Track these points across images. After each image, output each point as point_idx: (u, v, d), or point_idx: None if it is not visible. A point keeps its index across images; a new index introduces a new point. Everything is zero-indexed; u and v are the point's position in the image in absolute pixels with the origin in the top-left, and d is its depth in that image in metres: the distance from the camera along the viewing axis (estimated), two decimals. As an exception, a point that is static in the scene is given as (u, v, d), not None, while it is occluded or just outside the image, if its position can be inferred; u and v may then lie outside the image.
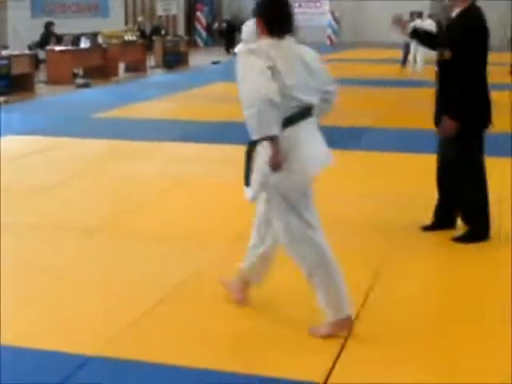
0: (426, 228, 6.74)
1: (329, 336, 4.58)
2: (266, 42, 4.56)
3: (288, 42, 4.63)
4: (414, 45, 21.85)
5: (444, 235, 6.52)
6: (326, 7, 35.70)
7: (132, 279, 5.59)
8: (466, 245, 6.29)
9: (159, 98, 16.17)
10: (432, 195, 6.92)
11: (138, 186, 8.37)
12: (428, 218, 6.77)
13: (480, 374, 4.16)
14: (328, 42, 35.15)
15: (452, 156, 6.36)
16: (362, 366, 4.27)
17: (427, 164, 8.93)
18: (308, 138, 4.61)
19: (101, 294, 5.37)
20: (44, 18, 22.06)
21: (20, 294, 5.34)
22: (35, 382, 4.04)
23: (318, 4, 35.53)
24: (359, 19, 37.29)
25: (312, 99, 4.67)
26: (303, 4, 35.49)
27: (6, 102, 15.84)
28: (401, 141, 10.94)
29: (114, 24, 26.26)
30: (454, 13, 6.43)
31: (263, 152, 4.44)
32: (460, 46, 6.18)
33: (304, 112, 4.61)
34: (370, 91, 17.34)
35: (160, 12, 30.82)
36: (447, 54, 6.32)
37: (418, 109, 13.83)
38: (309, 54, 4.78)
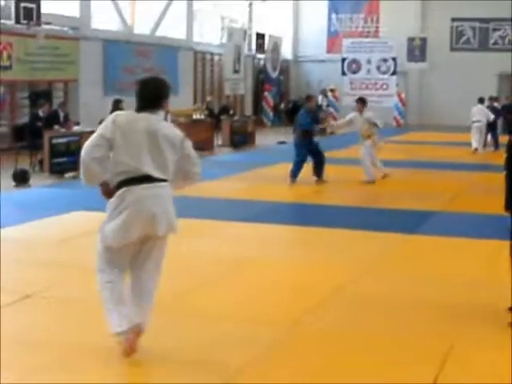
0: None
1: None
2: (123, 114, 5.81)
3: (142, 117, 5.61)
4: (475, 127, 22.26)
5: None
6: (393, 90, 35.84)
7: (194, 358, 5.59)
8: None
9: (226, 177, 16.29)
10: (500, 280, 6.84)
11: (204, 265, 8.41)
12: (495, 303, 6.70)
13: None
14: (394, 124, 35.20)
15: None
16: None
17: (495, 249, 8.88)
18: (132, 204, 5.46)
19: (165, 368, 5.41)
20: (115, 95, 22.52)
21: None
22: None
23: (385, 86, 35.71)
24: (425, 102, 37.37)
25: (150, 171, 5.49)
26: (370, 86, 35.77)
27: (74, 177, 16.12)
28: (468, 226, 10.83)
29: (183, 102, 26.75)
30: None
31: None
32: None
33: (141, 178, 5.46)
34: (436, 174, 17.23)
35: (228, 91, 31.27)
36: None
37: (486, 193, 13.71)
38: (167, 134, 5.62)
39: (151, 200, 5.52)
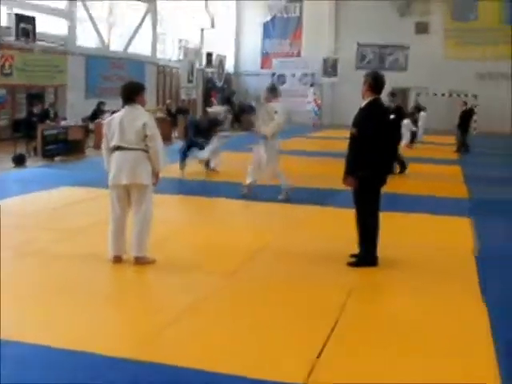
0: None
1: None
2: (114, 115, 6.74)
3: (125, 110, 6.59)
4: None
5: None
6: (312, 97, 36.19)
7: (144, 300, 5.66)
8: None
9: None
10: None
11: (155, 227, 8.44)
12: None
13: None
14: (312, 124, 35.49)
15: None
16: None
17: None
18: (115, 162, 6.53)
19: (124, 308, 5.49)
20: (95, 98, 22.36)
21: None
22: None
23: (305, 95, 36.10)
24: (336, 107, 37.63)
25: (126, 144, 6.47)
26: (294, 94, 35.96)
27: (63, 160, 16.06)
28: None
29: (147, 104, 26.52)
30: (364, 102, 6.89)
31: None
32: (364, 127, 6.75)
33: (119, 148, 6.51)
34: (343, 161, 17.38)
35: (183, 96, 31.23)
36: (353, 131, 6.93)
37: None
38: (139, 120, 6.49)
39: (122, 160, 6.49)
